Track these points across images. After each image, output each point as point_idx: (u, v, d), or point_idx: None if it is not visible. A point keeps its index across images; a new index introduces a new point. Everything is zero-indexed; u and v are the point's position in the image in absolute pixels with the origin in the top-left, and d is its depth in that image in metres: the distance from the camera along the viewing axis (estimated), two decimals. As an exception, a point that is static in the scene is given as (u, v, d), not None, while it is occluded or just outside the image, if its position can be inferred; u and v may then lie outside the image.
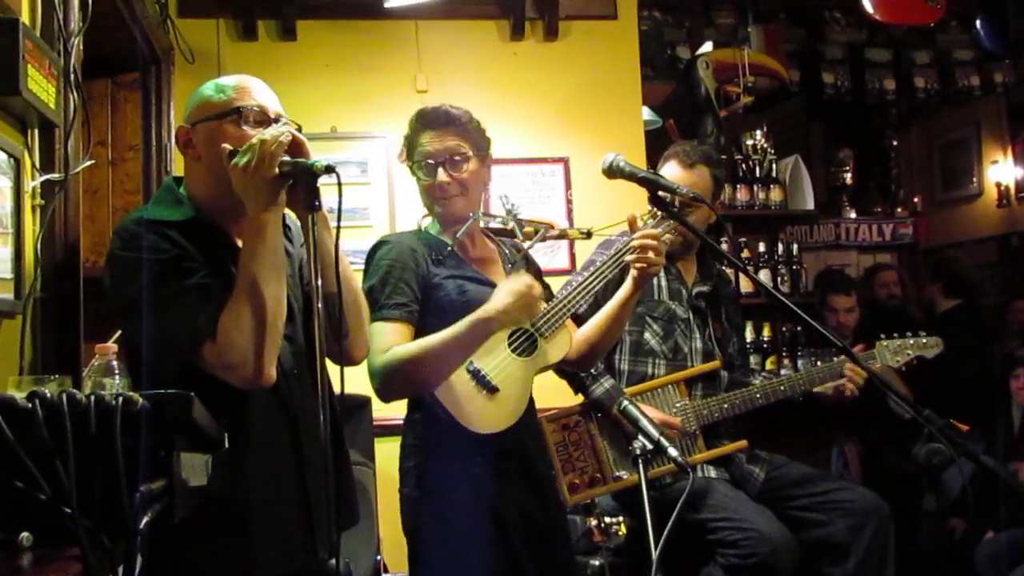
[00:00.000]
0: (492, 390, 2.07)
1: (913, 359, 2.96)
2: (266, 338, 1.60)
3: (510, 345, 2.13)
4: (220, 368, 1.58)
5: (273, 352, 1.62)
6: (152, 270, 1.60)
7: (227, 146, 1.66)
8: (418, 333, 2.07)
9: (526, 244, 2.23)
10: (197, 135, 1.75)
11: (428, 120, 2.20)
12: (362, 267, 3.74)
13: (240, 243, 1.73)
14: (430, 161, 2.16)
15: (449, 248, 2.16)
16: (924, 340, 2.98)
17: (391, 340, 2.03)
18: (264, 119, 1.73)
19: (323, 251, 1.64)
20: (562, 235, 2.27)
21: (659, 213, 2.23)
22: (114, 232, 1.72)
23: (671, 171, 2.82)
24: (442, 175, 2.15)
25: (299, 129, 1.74)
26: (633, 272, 2.23)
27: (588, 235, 2.29)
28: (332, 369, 1.65)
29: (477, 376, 2.07)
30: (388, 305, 2.06)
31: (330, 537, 1.51)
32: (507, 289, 2.03)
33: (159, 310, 1.58)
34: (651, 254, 2.19)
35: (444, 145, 2.16)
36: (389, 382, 2.03)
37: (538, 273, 2.29)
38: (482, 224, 2.27)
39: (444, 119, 2.19)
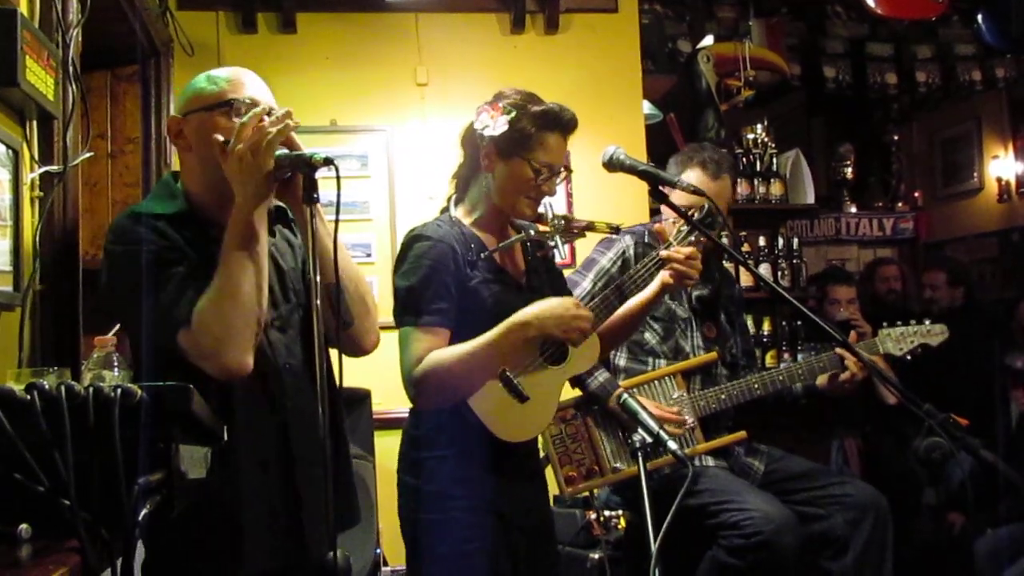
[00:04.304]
0: (523, 398, 2.04)
1: (917, 347, 2.90)
2: (242, 327, 1.59)
3: (542, 353, 2.09)
4: (196, 356, 1.58)
5: (248, 341, 1.61)
6: (137, 263, 1.62)
7: (219, 136, 1.66)
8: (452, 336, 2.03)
9: (552, 241, 2.19)
10: (188, 125, 1.74)
11: (562, 123, 2.09)
12: (364, 260, 3.81)
13: None
14: (555, 167, 2.08)
15: (487, 254, 2.08)
16: (928, 328, 2.92)
17: (429, 347, 1.97)
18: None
19: (320, 244, 1.64)
20: (589, 226, 2.21)
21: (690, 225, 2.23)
22: (109, 228, 1.73)
23: (696, 179, 2.77)
24: (557, 185, 2.10)
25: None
26: (666, 278, 2.22)
27: (616, 230, 2.26)
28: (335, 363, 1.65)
29: (509, 384, 2.02)
30: (429, 311, 1.98)
31: (329, 531, 1.51)
32: (553, 302, 2.03)
33: (141, 301, 1.59)
34: (682, 267, 2.19)
35: (563, 153, 2.11)
36: (424, 391, 1.98)
37: (548, 260, 2.28)
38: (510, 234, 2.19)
39: (572, 127, 2.12)
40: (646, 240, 2.89)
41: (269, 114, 1.71)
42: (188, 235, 1.69)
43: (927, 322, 2.96)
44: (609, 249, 2.87)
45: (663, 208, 2.89)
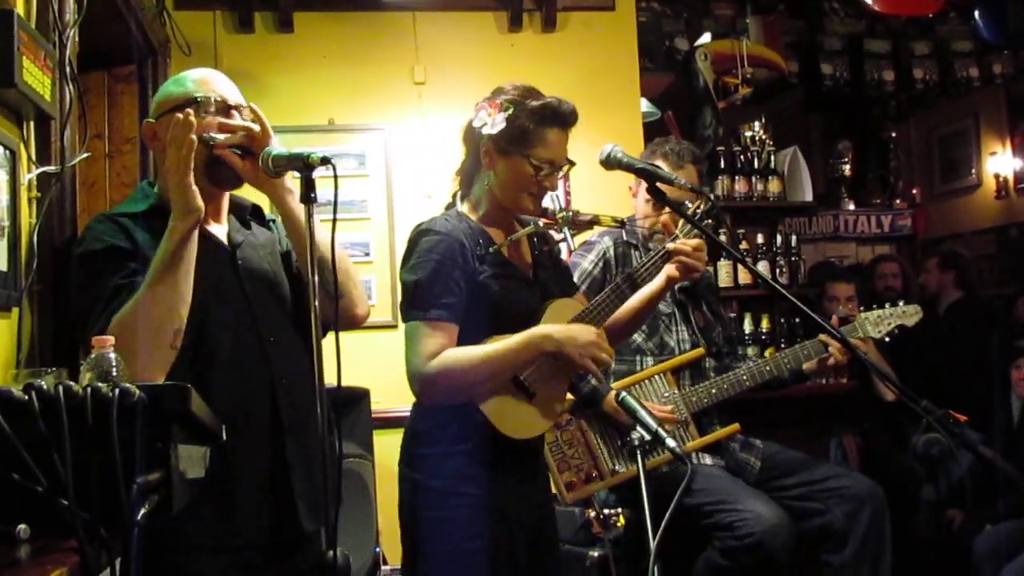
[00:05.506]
0: (529, 395, 2.04)
1: (895, 328, 2.98)
2: (145, 345, 1.59)
3: None
4: None
5: (153, 360, 1.60)
6: (88, 267, 1.69)
7: (193, 136, 1.69)
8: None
9: (560, 234, 2.18)
10: (161, 128, 1.79)
11: (561, 117, 2.08)
12: (362, 259, 3.81)
13: (209, 227, 1.80)
14: (556, 163, 2.07)
15: (495, 248, 2.07)
16: (903, 309, 3.00)
17: (439, 344, 1.97)
18: (223, 109, 1.78)
19: (296, 221, 1.74)
20: (595, 220, 2.19)
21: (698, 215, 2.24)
22: None
23: None
24: (558, 180, 2.09)
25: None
26: (673, 271, 2.21)
27: (622, 224, 2.25)
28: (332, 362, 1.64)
29: (516, 381, 2.02)
30: (437, 305, 1.97)
31: (331, 531, 1.51)
32: (584, 330, 2.03)
33: (82, 304, 1.67)
34: (689, 259, 2.20)
35: (565, 148, 2.10)
36: (435, 389, 1.97)
37: (555, 254, 2.28)
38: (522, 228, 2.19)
39: (572, 120, 2.09)
40: (625, 239, 2.91)
41: (238, 110, 1.78)
42: (157, 230, 1.70)
43: (901, 303, 3.03)
44: (590, 252, 2.88)
45: (641, 205, 2.90)
